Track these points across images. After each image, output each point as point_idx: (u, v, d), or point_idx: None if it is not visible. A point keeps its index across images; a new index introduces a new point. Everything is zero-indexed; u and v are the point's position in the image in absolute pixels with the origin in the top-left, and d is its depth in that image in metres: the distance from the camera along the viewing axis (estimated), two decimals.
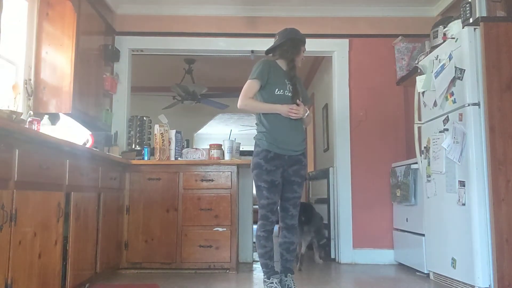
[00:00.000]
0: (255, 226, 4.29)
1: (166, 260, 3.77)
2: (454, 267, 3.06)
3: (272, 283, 2.82)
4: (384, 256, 4.28)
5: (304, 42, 2.99)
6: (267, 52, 3.05)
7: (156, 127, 4.00)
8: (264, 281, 2.86)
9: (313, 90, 6.64)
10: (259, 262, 2.97)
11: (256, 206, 4.50)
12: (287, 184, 2.86)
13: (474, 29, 2.99)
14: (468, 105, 2.95)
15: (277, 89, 2.84)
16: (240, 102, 2.84)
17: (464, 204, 2.95)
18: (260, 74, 2.83)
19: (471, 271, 2.86)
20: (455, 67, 3.07)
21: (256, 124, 2.97)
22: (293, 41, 2.94)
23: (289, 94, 2.85)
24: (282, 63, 2.95)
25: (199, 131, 9.26)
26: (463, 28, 3.07)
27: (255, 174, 2.83)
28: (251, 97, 2.84)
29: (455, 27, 3.26)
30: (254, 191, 2.98)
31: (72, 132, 3.21)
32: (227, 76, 6.91)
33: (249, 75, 2.88)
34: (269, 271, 2.84)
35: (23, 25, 3.28)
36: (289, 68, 2.91)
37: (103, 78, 4.19)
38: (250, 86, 2.83)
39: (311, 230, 4.10)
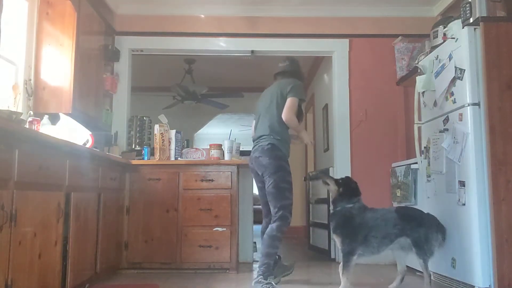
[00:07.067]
0: (255, 226, 4.34)
1: (166, 260, 3.77)
2: (454, 267, 3.06)
3: (271, 283, 2.90)
4: (384, 256, 4.25)
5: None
6: (293, 74, 3.41)
7: (156, 127, 4.00)
8: (260, 282, 2.91)
9: (313, 90, 6.64)
10: (263, 262, 2.99)
11: (256, 206, 4.52)
12: None
13: (474, 29, 2.99)
14: (468, 105, 2.95)
15: None
16: (288, 117, 3.15)
17: (464, 204, 2.95)
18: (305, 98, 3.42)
19: (471, 271, 2.86)
20: (455, 67, 3.07)
21: (270, 128, 3.20)
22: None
23: None
24: None
25: (199, 131, 9.25)
26: (463, 28, 3.06)
27: (279, 176, 3.10)
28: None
29: (455, 27, 3.26)
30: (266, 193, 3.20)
31: (72, 132, 3.21)
32: (227, 76, 6.91)
33: (292, 91, 3.19)
34: (268, 272, 2.94)
35: (23, 25, 3.27)
36: None
37: (103, 78, 4.19)
38: (296, 105, 3.20)
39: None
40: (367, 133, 4.50)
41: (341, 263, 2.90)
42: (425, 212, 3.12)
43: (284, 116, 3.15)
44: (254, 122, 3.44)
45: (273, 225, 3.06)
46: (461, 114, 3.00)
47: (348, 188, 3.01)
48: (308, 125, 6.88)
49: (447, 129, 3.17)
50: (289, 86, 3.24)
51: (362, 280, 3.50)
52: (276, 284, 3.19)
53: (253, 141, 3.43)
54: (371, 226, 2.88)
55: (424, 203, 3.52)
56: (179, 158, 4.02)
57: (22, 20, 3.26)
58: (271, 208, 3.15)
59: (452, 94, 3.13)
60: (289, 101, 3.16)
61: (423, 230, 2.91)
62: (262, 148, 3.20)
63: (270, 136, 3.19)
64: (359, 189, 3.08)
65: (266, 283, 2.88)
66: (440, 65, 3.26)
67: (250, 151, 4.30)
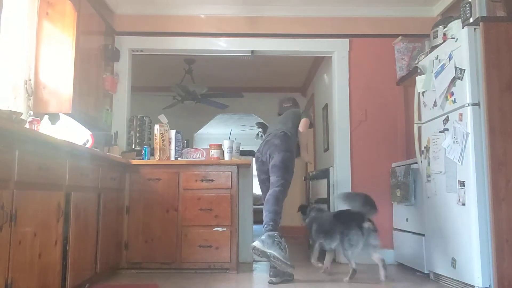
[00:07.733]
0: (255, 226, 4.35)
1: (166, 260, 3.77)
2: (454, 267, 3.06)
3: (281, 242, 3.12)
4: (384, 256, 4.27)
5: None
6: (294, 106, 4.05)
7: (156, 127, 4.00)
8: (273, 236, 3.12)
9: (313, 90, 6.64)
10: (270, 218, 3.24)
11: (256, 206, 4.57)
12: None
13: (474, 29, 2.99)
14: (468, 105, 2.95)
15: None
16: (304, 130, 3.74)
17: (464, 204, 2.95)
18: None
19: (471, 271, 2.86)
20: (455, 67, 3.07)
21: (285, 127, 3.67)
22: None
23: None
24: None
25: (199, 131, 9.25)
26: (463, 28, 3.07)
27: (287, 155, 3.49)
28: None
29: (455, 27, 3.27)
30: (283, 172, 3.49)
31: (72, 132, 3.21)
32: (227, 76, 6.91)
33: (306, 112, 3.88)
34: (276, 228, 3.20)
35: (23, 24, 3.27)
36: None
37: (103, 78, 4.19)
38: (309, 125, 3.79)
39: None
40: (367, 133, 4.50)
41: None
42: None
43: (301, 128, 3.72)
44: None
45: (275, 189, 3.37)
46: (461, 114, 3.01)
47: (301, 209, 4.05)
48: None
49: (447, 129, 3.17)
50: (301, 110, 3.95)
51: (362, 280, 3.50)
52: (276, 283, 3.21)
53: (265, 137, 3.70)
54: (317, 222, 3.66)
55: (424, 203, 3.53)
56: (179, 158, 4.02)
57: (22, 19, 3.26)
58: (274, 178, 3.42)
59: (452, 94, 3.13)
60: (304, 120, 3.76)
61: (343, 227, 3.39)
62: (275, 134, 3.58)
63: (284, 129, 3.62)
64: (305, 204, 4.28)
65: (279, 241, 3.08)
66: (440, 65, 3.26)
67: (250, 151, 4.30)
